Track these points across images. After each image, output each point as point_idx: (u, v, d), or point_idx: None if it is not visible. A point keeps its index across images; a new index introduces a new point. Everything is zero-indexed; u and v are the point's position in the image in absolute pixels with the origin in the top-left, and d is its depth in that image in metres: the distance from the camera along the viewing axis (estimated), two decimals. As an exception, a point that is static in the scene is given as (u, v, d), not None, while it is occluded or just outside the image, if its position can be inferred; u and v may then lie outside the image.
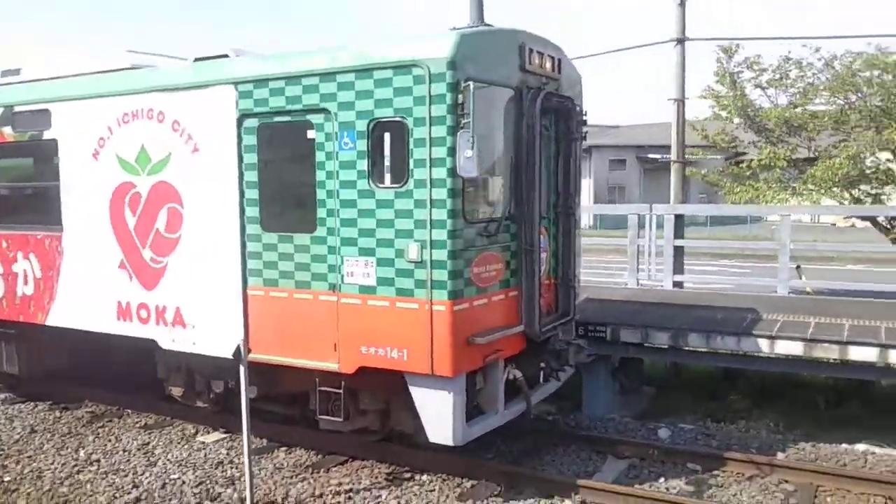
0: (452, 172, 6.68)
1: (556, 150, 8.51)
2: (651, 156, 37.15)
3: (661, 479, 7.84)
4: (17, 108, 9.75)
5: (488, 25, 7.86)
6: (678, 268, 13.59)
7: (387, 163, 7.11)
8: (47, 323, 9.78)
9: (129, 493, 7.66)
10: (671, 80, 14.81)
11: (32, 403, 10.67)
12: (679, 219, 13.73)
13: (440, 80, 6.68)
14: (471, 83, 6.59)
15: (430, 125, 6.74)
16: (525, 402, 7.91)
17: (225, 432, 9.40)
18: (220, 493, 7.61)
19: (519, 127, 7.59)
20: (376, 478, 7.96)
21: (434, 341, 6.90)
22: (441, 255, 6.82)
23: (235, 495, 7.50)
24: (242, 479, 7.43)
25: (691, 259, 17.00)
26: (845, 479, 7.64)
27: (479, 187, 7.41)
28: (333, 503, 7.35)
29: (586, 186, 51.56)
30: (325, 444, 8.64)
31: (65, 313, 9.57)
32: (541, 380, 8.39)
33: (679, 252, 13.68)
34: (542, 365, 8.28)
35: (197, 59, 8.80)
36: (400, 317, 7.07)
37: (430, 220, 6.82)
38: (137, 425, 9.76)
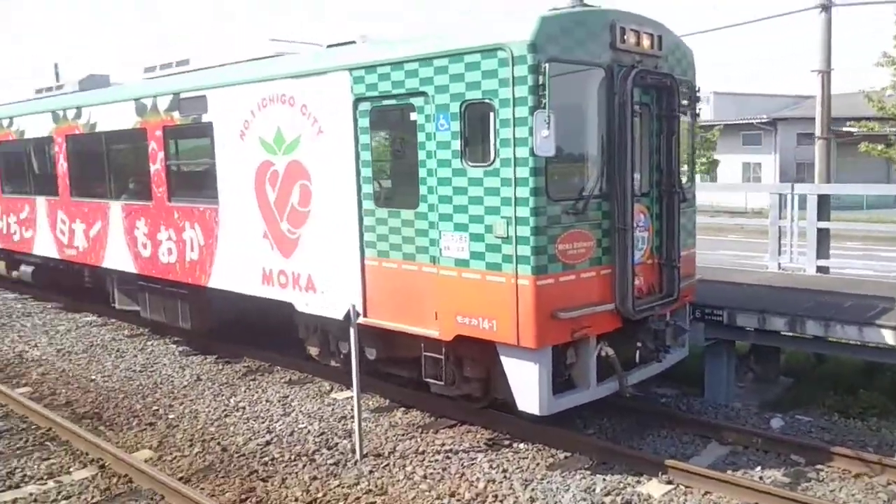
0: (534, 151, 6.88)
1: (658, 127, 8.39)
2: (847, 128, 33.72)
3: (758, 468, 7.61)
4: (182, 95, 11.03)
5: (587, 6, 7.86)
6: (823, 252, 12.68)
7: (476, 143, 7.44)
8: (209, 285, 11.09)
9: (262, 436, 8.66)
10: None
11: (202, 356, 12.13)
12: (824, 199, 12.75)
13: (521, 63, 6.88)
14: (546, 64, 6.74)
15: (514, 106, 6.98)
16: (618, 380, 7.98)
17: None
18: (337, 443, 8.39)
19: (610, 105, 7.59)
20: (477, 442, 8.41)
21: (519, 314, 7.20)
22: (524, 231, 7.07)
23: (349, 445, 8.24)
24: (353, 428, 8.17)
25: (850, 242, 15.54)
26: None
27: (566, 165, 7.54)
28: (432, 460, 7.88)
29: (770, 163, 48.15)
30: (437, 408, 9.21)
31: (222, 277, 10.81)
32: (636, 360, 8.35)
33: (824, 235, 12.75)
34: (639, 345, 8.27)
35: (329, 46, 9.54)
36: (490, 289, 7.42)
37: (515, 197, 7.08)
38: (282, 380, 10.85)
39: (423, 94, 7.72)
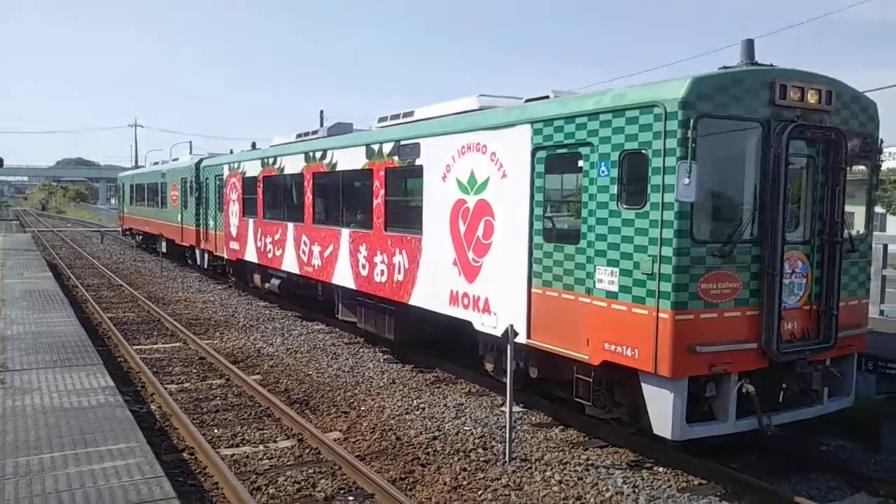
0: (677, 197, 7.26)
1: (822, 178, 8.33)
2: None
3: (898, 519, 7.25)
4: (401, 142, 12.49)
5: (751, 66, 8.08)
6: None
7: (631, 188, 7.93)
8: (410, 303, 12.34)
9: (432, 433, 9.57)
10: None
11: (401, 364, 13.38)
12: None
13: (673, 118, 7.33)
14: (695, 120, 7.13)
15: (664, 156, 7.42)
16: (757, 417, 7.94)
17: (524, 407, 10.87)
18: (493, 446, 9.09)
19: (766, 157, 7.75)
20: (619, 461, 8.71)
21: (658, 345, 7.52)
22: (667, 269, 7.43)
23: (502, 448, 8.91)
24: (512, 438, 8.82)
25: None
26: None
27: (715, 210, 7.78)
28: (572, 470, 8.31)
29: None
30: (591, 429, 9.59)
31: (420, 297, 12.00)
32: (780, 400, 8.22)
33: None
34: (784, 386, 8.15)
35: (528, 100, 10.47)
36: (634, 321, 7.82)
37: (661, 238, 7.48)
38: (463, 391, 11.74)
39: (590, 143, 8.36)
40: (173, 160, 34.42)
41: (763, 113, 7.74)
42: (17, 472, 6.62)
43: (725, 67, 8.14)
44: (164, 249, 30.52)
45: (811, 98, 8.02)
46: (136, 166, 65.15)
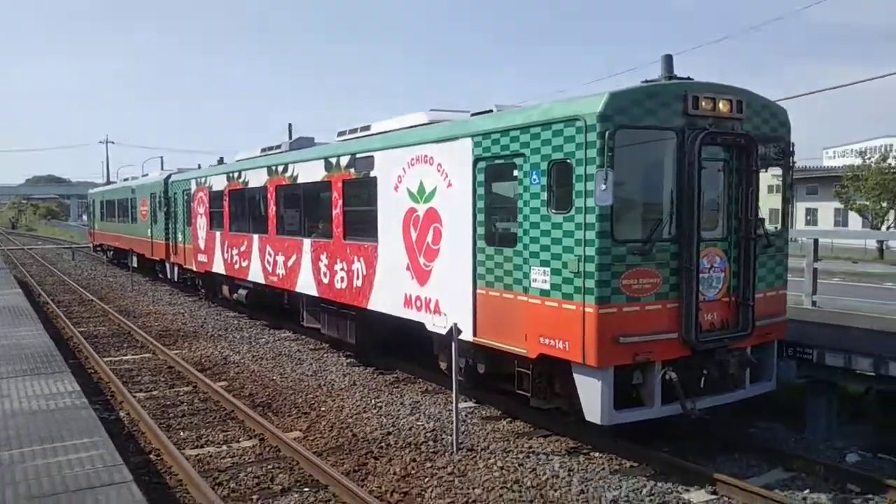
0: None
1: (736, 180, 9.03)
2: None
3: (807, 491, 7.91)
4: (357, 155, 13.05)
5: (676, 78, 8.75)
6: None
7: (559, 194, 8.57)
8: (368, 307, 12.89)
9: (387, 429, 10.11)
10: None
11: (363, 367, 13.92)
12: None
13: (592, 130, 7.98)
14: (611, 131, 7.80)
15: (586, 165, 8.07)
16: (680, 402, 8.59)
17: (476, 402, 11.46)
18: (443, 439, 9.65)
19: (681, 161, 8.43)
20: (560, 448, 9.33)
21: (585, 337, 8.16)
22: (591, 267, 8.08)
23: (451, 440, 9.48)
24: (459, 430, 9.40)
25: None
26: None
27: (634, 212, 8.45)
28: (514, 458, 8.90)
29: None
30: (537, 421, 10.21)
31: (377, 301, 12.56)
32: (701, 386, 8.86)
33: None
34: (704, 373, 8.81)
35: (473, 114, 11.08)
36: (564, 316, 8.45)
37: (584, 239, 8.13)
38: (420, 390, 12.31)
39: (522, 154, 9.00)
40: (143, 176, 34.66)
41: (677, 122, 8.42)
42: (-10, 466, 7.14)
43: (647, 81, 8.84)
44: (134, 264, 30.75)
45: (723, 107, 8.72)
46: (108, 182, 64.96)
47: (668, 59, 9.12)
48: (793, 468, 8.63)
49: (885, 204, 47.69)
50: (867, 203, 48.71)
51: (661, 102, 8.38)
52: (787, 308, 10.02)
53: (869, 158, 49.29)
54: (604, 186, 7.75)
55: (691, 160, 8.39)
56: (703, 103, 8.56)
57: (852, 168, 49.43)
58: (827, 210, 58.99)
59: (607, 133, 7.88)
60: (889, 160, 48.56)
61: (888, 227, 48.00)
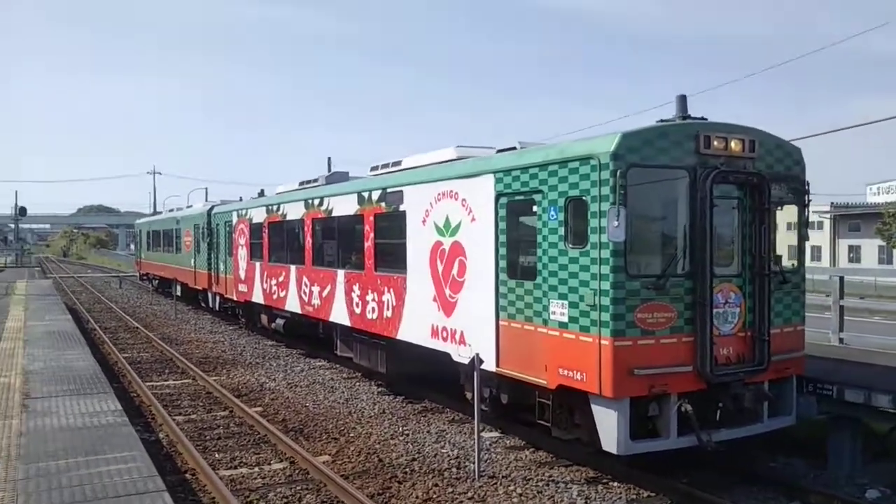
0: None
1: (750, 217, 9.27)
2: None
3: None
4: (388, 190, 13.57)
5: (689, 118, 9.08)
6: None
7: (575, 230, 8.91)
8: (398, 337, 13.29)
9: (412, 455, 10.44)
10: None
11: (393, 396, 14.28)
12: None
13: (605, 169, 8.34)
14: (623, 170, 8.15)
15: (600, 202, 8.42)
16: (696, 434, 8.75)
17: (501, 433, 11.73)
18: (466, 466, 9.94)
19: (694, 199, 8.72)
20: (579, 478, 9.54)
21: (601, 368, 8.43)
22: (606, 301, 8.38)
23: (473, 467, 9.76)
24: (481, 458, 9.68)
25: None
26: None
27: (648, 248, 8.74)
28: (534, 486, 9.15)
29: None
30: (559, 451, 10.44)
31: (406, 331, 12.96)
32: (717, 419, 9.00)
33: None
34: (720, 405, 8.97)
35: (498, 151, 11.52)
36: (581, 347, 8.74)
37: (599, 273, 8.44)
38: (447, 419, 12.62)
39: (541, 191, 9.38)
40: (188, 207, 35.82)
41: (689, 161, 8.73)
42: (38, 473, 7.89)
43: (662, 121, 9.18)
44: (178, 293, 31.73)
45: (735, 146, 9.01)
46: (155, 212, 67.03)
47: (683, 100, 9.46)
48: (810, 503, 8.71)
49: None
50: None
51: (674, 142, 8.70)
52: (805, 343, 10.13)
53: None
54: (616, 223, 8.07)
55: (703, 198, 8.67)
56: (716, 143, 8.86)
57: (894, 205, 48.55)
58: (871, 247, 57.89)
59: (619, 171, 8.23)
60: None
61: None
